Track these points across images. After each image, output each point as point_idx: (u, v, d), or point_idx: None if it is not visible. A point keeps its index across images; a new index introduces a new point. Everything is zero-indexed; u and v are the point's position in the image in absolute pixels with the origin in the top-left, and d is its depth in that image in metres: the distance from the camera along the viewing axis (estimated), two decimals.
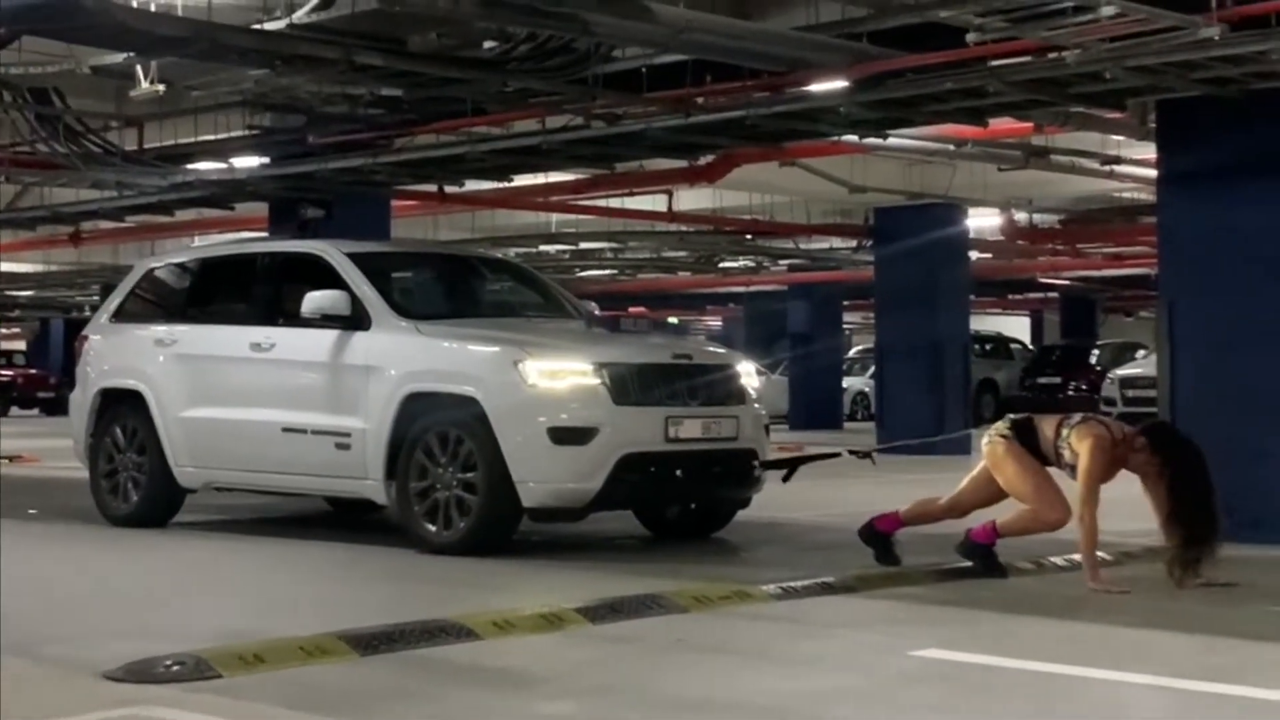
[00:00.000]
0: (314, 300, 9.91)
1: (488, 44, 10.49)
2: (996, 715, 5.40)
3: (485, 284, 11.47)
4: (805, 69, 10.53)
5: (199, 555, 9.76)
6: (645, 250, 27.75)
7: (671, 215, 20.12)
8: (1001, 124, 13.45)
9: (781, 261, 29.14)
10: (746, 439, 9.78)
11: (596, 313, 11.19)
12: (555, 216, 23.36)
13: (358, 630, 6.39)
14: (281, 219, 16.60)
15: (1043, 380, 31.25)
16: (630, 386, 9.26)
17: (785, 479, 10.08)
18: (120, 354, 11.37)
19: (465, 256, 12.38)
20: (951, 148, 14.98)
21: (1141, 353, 28.67)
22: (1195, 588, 7.87)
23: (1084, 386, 29.71)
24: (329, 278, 10.15)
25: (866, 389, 31.74)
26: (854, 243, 25.08)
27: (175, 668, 5.77)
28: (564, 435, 9.06)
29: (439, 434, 9.33)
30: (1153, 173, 12.03)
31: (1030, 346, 38.45)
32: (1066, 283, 34.60)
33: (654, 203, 19.89)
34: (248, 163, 14.92)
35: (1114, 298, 37.80)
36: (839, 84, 10.70)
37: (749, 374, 10.08)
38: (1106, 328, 40.71)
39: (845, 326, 36.81)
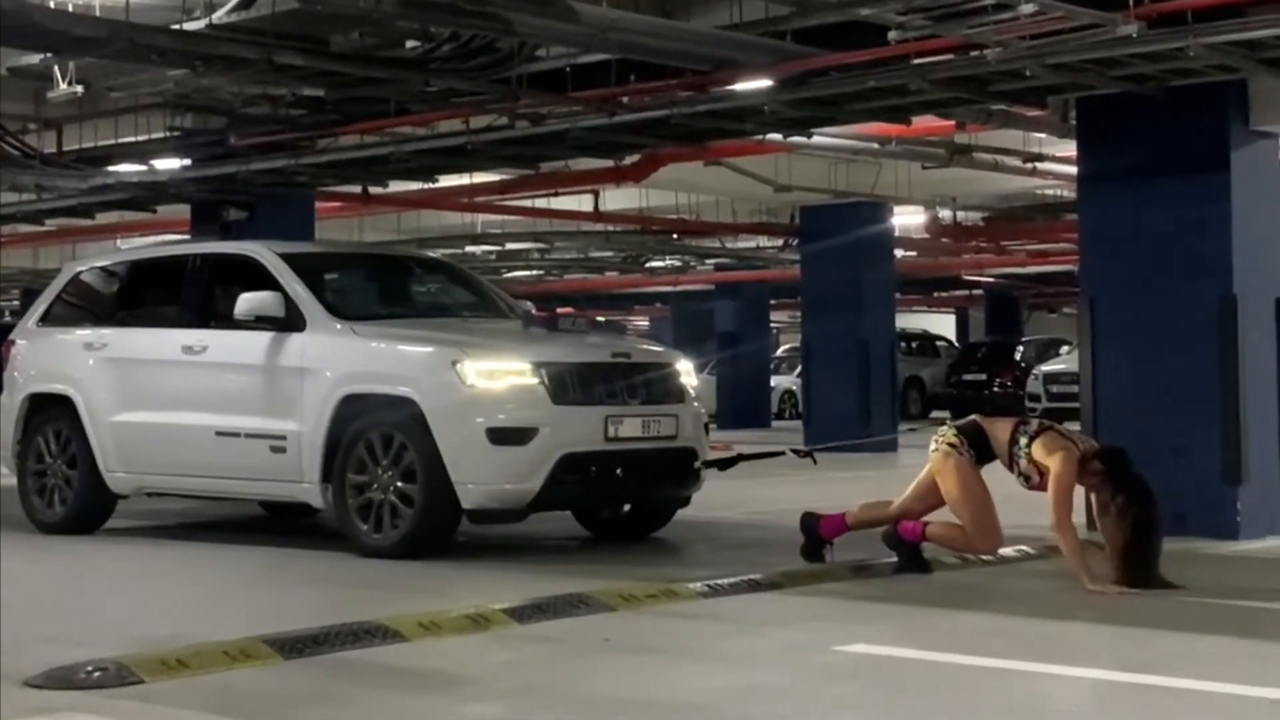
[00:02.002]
0: (247, 302, 9.77)
1: (410, 44, 10.44)
2: (922, 709, 5.43)
3: (419, 284, 11.36)
4: (729, 68, 10.55)
5: (126, 561, 9.64)
6: (572, 250, 27.72)
7: (598, 215, 20.12)
8: (924, 122, 13.54)
9: (708, 261, 29.20)
10: (686, 438, 9.73)
11: (533, 312, 11.09)
12: (481, 217, 23.27)
13: (282, 634, 6.34)
14: (204, 221, 16.45)
15: (968, 377, 31.51)
16: (569, 386, 9.19)
17: (722, 468, 10.08)
18: (48, 358, 11.19)
19: (399, 257, 12.28)
20: (876, 146, 15.05)
21: (1065, 349, 28.95)
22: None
23: (1009, 383, 29.99)
24: (261, 279, 10.03)
25: (794, 387, 31.83)
26: (780, 242, 25.17)
27: (96, 674, 5.71)
28: (503, 436, 8.97)
29: (376, 436, 9.22)
30: (1074, 170, 12.14)
31: (956, 344, 38.75)
32: (991, 280, 34.89)
33: (580, 203, 19.87)
34: (169, 164, 14.78)
35: (1038, 294, 38.15)
36: (763, 83, 10.73)
37: (688, 372, 10.01)
38: (1031, 324, 41.11)
39: (772, 325, 36.93)
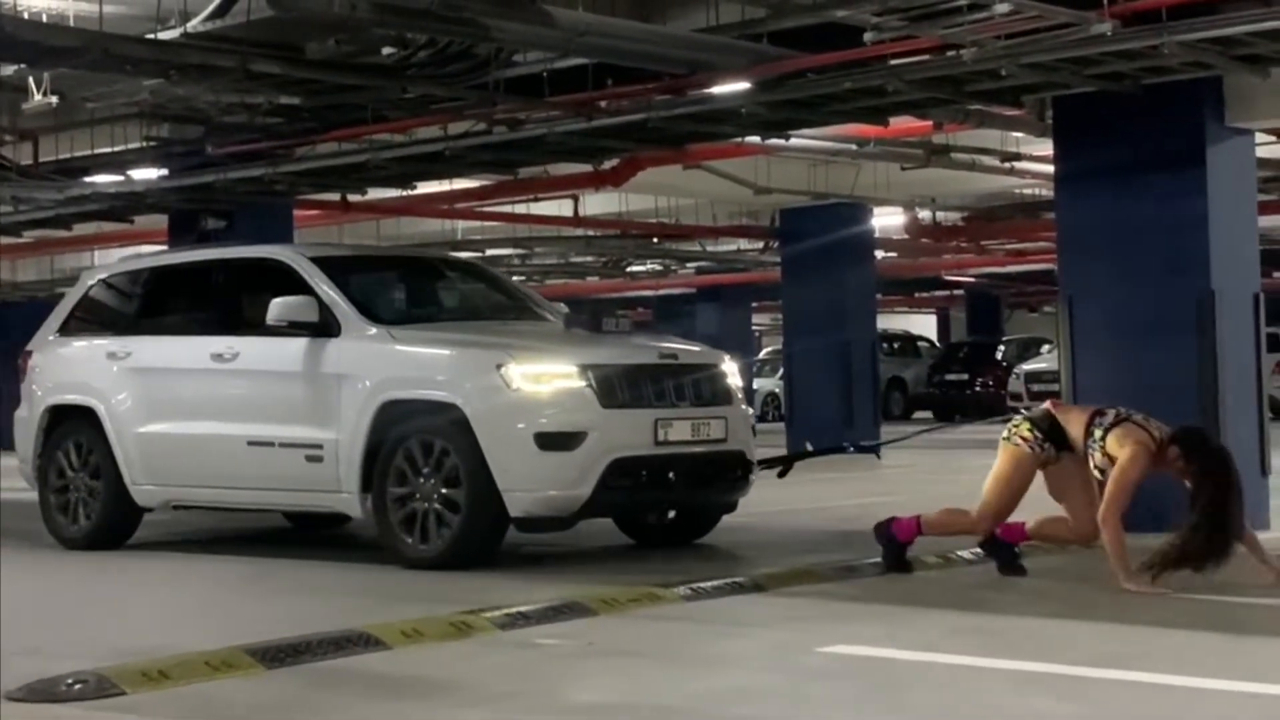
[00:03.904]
0: (280, 307, 9.53)
1: (386, 50, 10.41)
2: (905, 709, 5.43)
3: (452, 287, 11.17)
4: (706, 71, 10.54)
5: (115, 573, 9.58)
6: (552, 255, 27.69)
7: (578, 220, 20.09)
8: (902, 123, 13.56)
9: (689, 264, 29.20)
10: (736, 440, 9.49)
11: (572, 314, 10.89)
12: (461, 224, 23.22)
13: (264, 643, 6.33)
14: (182, 231, 16.40)
15: (950, 377, 31.57)
16: (617, 388, 8.95)
17: (781, 474, 10.01)
18: (69, 369, 10.97)
19: (430, 259, 12.06)
20: (854, 147, 15.05)
21: (1046, 347, 29.02)
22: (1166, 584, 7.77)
23: (990, 382, 30.06)
24: (292, 284, 9.80)
25: (777, 390, 31.87)
26: (761, 244, 25.17)
27: (77, 686, 5.70)
28: (550, 440, 8.74)
29: (417, 443, 9.00)
30: (1052, 168, 12.16)
31: (937, 344, 38.83)
32: (971, 280, 34.93)
33: (560, 208, 19.85)
34: (146, 174, 14.72)
35: (1018, 294, 38.23)
36: (740, 85, 10.72)
37: (734, 373, 9.78)
38: (1011, 323, 41.20)
39: (754, 328, 36.95)
